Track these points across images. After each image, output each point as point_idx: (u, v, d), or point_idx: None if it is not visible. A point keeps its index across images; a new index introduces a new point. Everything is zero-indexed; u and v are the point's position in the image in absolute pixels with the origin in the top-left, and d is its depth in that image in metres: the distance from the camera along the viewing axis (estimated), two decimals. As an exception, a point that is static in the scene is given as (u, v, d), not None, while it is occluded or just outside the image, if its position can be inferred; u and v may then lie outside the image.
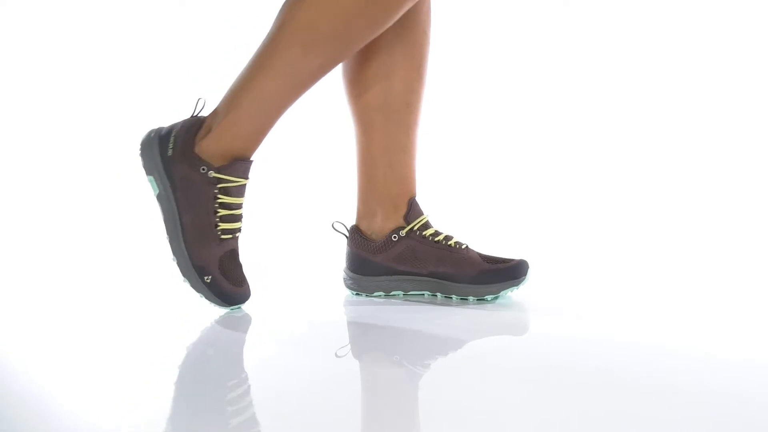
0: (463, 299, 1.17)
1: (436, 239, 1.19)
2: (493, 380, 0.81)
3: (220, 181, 1.08)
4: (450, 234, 1.20)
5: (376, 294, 1.20)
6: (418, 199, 1.21)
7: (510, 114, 2.30)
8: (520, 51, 2.30)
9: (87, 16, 2.32)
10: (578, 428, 0.68)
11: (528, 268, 1.18)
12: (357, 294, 1.21)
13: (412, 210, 1.19)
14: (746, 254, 1.63)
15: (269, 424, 0.71)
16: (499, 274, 1.16)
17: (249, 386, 0.82)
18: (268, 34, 1.08)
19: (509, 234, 1.82)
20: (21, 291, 1.34)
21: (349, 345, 1.00)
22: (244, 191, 1.11)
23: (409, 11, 1.15)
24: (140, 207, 2.12)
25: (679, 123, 2.22)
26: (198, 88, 2.30)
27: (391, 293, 1.20)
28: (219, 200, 1.08)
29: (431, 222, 1.22)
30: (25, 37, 2.31)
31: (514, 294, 1.20)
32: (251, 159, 1.10)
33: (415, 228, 1.19)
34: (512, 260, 1.18)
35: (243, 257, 1.13)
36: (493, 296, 1.17)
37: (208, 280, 1.08)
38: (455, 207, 1.86)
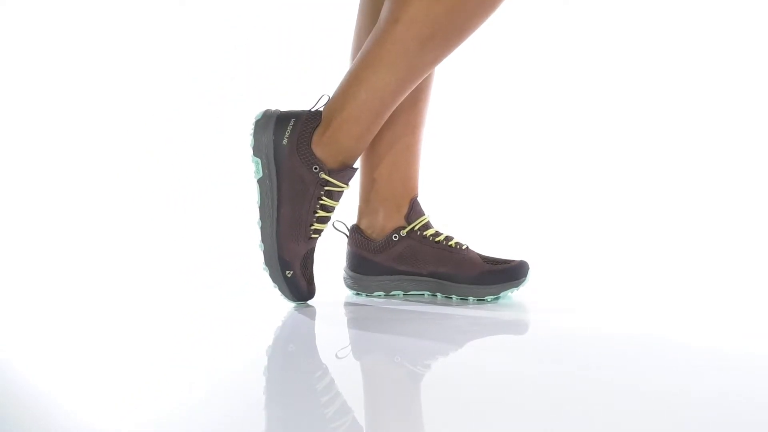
0: (463, 299, 1.17)
1: (437, 239, 1.19)
2: (493, 381, 0.81)
3: (328, 183, 1.10)
4: (450, 234, 1.20)
5: (376, 294, 1.20)
6: (421, 199, 1.21)
7: (510, 115, 2.30)
8: (521, 51, 2.30)
9: (87, 16, 2.31)
10: (579, 428, 0.68)
11: (528, 269, 1.18)
12: (357, 293, 1.21)
13: (414, 210, 1.19)
14: (746, 253, 1.63)
15: (268, 425, 0.70)
16: (500, 274, 1.16)
17: (247, 386, 0.82)
18: (380, 28, 1.08)
19: (510, 235, 1.82)
20: (21, 291, 1.33)
21: (349, 345, 1.00)
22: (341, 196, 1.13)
23: None
24: (140, 207, 2.12)
25: (679, 123, 2.22)
26: (198, 88, 2.32)
27: (391, 293, 1.20)
28: (321, 201, 1.10)
29: (432, 222, 1.22)
30: (25, 37, 2.31)
31: (514, 295, 1.20)
32: (355, 167, 1.12)
33: (416, 228, 1.19)
34: (512, 261, 1.18)
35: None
36: (493, 297, 1.17)
37: (289, 275, 1.10)
38: (456, 207, 1.85)
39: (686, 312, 1.16)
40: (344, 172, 1.10)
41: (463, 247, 1.19)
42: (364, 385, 0.84)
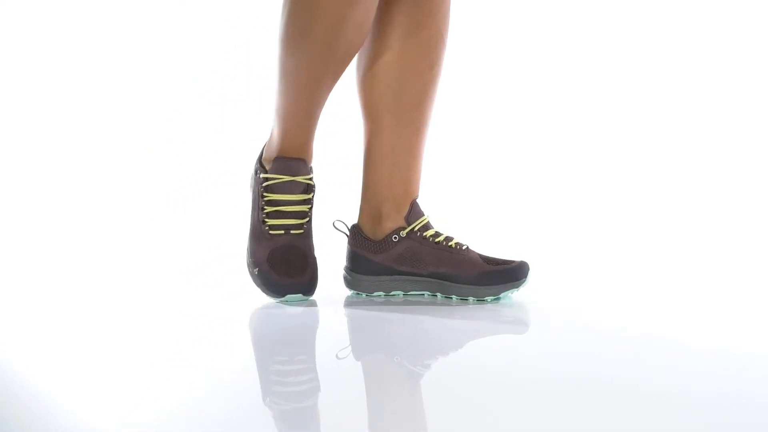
0: (463, 300, 1.17)
1: (437, 240, 1.19)
2: (492, 381, 0.81)
3: (266, 179, 1.14)
4: (450, 235, 1.20)
5: (376, 294, 1.20)
6: (421, 199, 1.21)
7: (510, 115, 2.30)
8: (521, 52, 2.30)
9: (87, 16, 2.31)
10: (578, 428, 0.68)
11: (528, 269, 1.17)
12: (357, 294, 1.21)
13: (413, 211, 1.19)
14: (747, 253, 1.63)
15: (269, 425, 0.70)
16: (500, 275, 1.16)
17: (247, 386, 0.82)
18: None
19: (510, 235, 1.82)
20: (21, 291, 1.33)
21: (349, 345, 1.00)
22: (297, 188, 1.15)
23: (423, 11, 1.15)
24: (140, 207, 2.12)
25: (679, 124, 2.22)
26: (198, 88, 2.32)
27: (391, 293, 1.20)
28: (265, 198, 1.14)
29: (432, 223, 1.22)
30: (25, 37, 2.31)
31: (514, 295, 1.20)
32: (298, 158, 1.14)
33: (416, 229, 1.19)
34: (513, 261, 1.18)
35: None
36: (493, 297, 1.17)
37: (256, 272, 1.14)
38: (456, 207, 1.85)
39: (686, 312, 1.16)
40: (275, 164, 1.14)
41: (463, 248, 1.18)
42: (364, 385, 0.84)
